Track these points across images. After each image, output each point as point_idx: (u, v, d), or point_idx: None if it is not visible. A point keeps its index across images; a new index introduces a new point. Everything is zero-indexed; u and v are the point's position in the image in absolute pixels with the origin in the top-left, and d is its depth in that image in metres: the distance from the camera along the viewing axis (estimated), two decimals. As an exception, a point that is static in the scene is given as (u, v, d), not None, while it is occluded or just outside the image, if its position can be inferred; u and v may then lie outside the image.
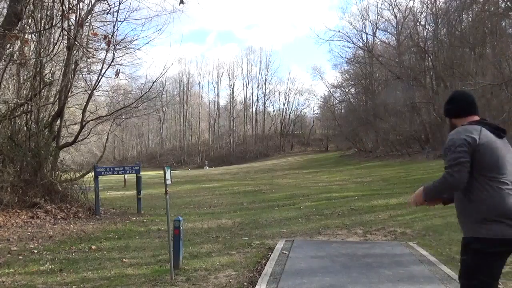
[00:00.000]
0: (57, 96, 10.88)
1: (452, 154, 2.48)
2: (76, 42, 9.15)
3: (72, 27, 10.26)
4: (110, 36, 9.39)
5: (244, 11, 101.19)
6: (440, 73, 29.30)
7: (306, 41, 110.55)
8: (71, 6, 8.32)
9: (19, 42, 8.83)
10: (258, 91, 67.95)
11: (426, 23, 32.12)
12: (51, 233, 7.45)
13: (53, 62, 10.77)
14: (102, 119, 12.80)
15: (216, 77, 73.45)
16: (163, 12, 31.28)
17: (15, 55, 9.51)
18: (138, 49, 14.43)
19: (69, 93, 11.24)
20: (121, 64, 12.33)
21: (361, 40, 39.68)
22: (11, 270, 5.06)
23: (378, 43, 39.92)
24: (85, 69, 12.49)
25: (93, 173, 10.12)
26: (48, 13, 10.23)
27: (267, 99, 67.63)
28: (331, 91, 50.17)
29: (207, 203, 12.16)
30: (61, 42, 10.59)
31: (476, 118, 2.70)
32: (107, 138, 15.51)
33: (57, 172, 10.23)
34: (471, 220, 2.47)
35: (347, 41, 38.98)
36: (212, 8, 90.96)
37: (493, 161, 2.46)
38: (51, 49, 10.40)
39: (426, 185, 2.63)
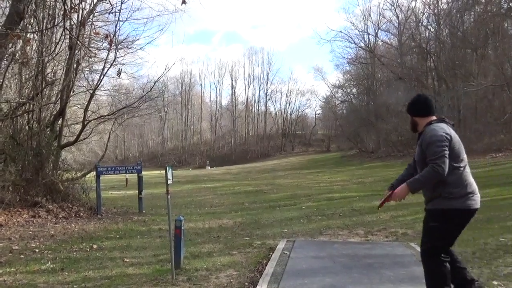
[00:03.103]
0: (59, 96, 10.89)
1: (437, 148, 3.00)
2: (78, 42, 9.15)
3: (74, 26, 10.25)
4: (112, 35, 9.41)
5: (249, 12, 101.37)
6: (442, 74, 29.27)
7: (310, 42, 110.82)
8: (73, 6, 8.35)
9: (21, 41, 8.86)
10: (259, 91, 68.01)
11: (428, 23, 32.14)
12: (52, 232, 7.47)
13: (55, 61, 10.78)
14: (103, 118, 12.80)
15: (218, 77, 73.55)
16: (165, 12, 31.38)
17: (17, 54, 9.52)
18: (140, 48, 14.35)
19: (71, 93, 11.23)
20: (123, 64, 12.33)
21: (363, 41, 39.66)
22: (12, 269, 5.07)
23: (380, 43, 39.91)
24: (87, 69, 12.49)
25: (94, 173, 10.13)
26: (50, 12, 10.23)
27: (269, 99, 67.67)
28: (333, 92, 50.13)
29: (209, 203, 12.16)
30: (63, 41, 10.60)
31: (434, 117, 3.27)
32: (109, 137, 15.50)
33: (58, 172, 10.24)
34: (444, 196, 3.07)
35: (349, 41, 39.04)
36: (217, 9, 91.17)
37: (458, 151, 3.10)
38: (53, 48, 10.41)
39: (409, 181, 3.16)
